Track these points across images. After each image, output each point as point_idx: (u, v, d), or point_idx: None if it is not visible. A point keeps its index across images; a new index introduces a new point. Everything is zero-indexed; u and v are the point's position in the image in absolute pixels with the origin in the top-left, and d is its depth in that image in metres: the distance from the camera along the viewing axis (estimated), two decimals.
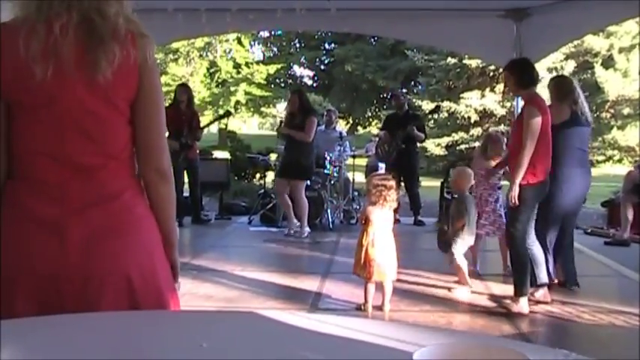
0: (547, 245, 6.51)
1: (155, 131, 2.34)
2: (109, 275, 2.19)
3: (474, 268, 7.40)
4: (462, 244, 6.83)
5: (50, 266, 2.15)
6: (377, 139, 12.53)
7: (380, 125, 15.18)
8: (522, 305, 5.97)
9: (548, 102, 6.35)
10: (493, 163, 7.25)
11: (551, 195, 6.29)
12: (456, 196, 7.20)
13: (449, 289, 6.80)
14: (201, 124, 11.22)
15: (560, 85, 6.82)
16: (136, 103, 2.28)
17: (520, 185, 5.90)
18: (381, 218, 5.87)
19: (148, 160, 2.34)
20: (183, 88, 11.27)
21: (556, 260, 6.69)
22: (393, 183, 6.01)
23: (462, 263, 6.82)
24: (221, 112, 30.74)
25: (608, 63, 24.81)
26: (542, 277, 6.18)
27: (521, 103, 7.06)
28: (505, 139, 7.67)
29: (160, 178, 2.37)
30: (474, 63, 23.52)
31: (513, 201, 5.86)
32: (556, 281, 6.71)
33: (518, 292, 6.01)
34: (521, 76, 6.11)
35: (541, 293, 6.22)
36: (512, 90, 6.43)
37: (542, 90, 6.69)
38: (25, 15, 2.19)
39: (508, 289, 6.57)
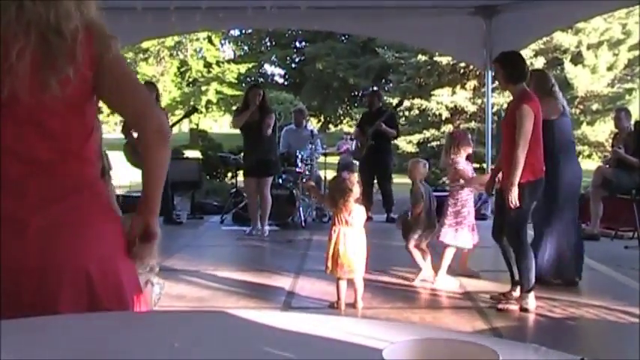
0: (561, 243, 6.60)
1: (139, 102, 2.36)
2: (67, 270, 2.20)
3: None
4: (415, 234, 7.00)
5: (8, 259, 2.15)
6: (349, 136, 12.51)
7: (351, 123, 15.16)
8: (529, 301, 5.94)
9: None
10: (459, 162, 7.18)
11: (560, 189, 6.36)
12: (413, 186, 7.29)
13: (411, 280, 6.98)
14: (170, 123, 11.15)
15: (543, 80, 6.84)
16: (106, 92, 2.32)
17: (520, 183, 5.86)
18: (349, 217, 5.88)
19: (146, 124, 2.35)
20: (150, 87, 11.12)
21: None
22: (353, 181, 6.00)
23: (414, 250, 7.01)
24: None
25: (577, 59, 24.96)
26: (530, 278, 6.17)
27: (495, 100, 7.11)
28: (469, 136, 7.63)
29: (160, 138, 2.37)
30: (444, 60, 23.56)
31: (514, 203, 5.79)
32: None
33: (525, 288, 5.97)
34: (511, 70, 6.05)
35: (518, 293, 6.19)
36: (501, 84, 6.35)
37: None
38: None
39: (480, 286, 6.62)
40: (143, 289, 3.75)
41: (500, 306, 6.05)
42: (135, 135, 9.67)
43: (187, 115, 14.59)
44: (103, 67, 2.26)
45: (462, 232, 6.97)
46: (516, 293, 6.10)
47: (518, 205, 5.79)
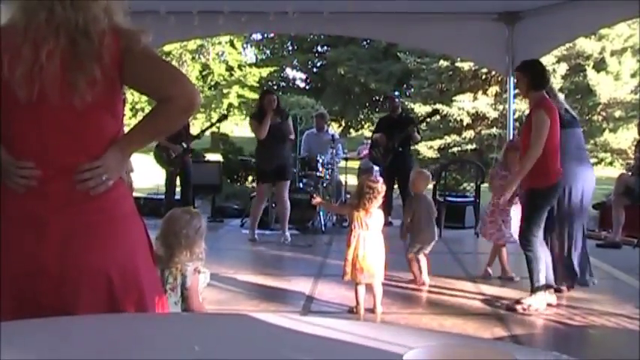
0: (563, 247, 6.56)
1: (167, 88, 2.35)
2: (87, 273, 2.21)
3: (504, 275, 7.38)
4: (411, 245, 7.08)
5: (27, 263, 2.17)
6: (369, 141, 12.43)
7: (372, 128, 15.08)
8: (539, 301, 6.01)
9: None
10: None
11: (563, 195, 6.36)
12: (412, 195, 7.45)
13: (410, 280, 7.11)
14: (195, 128, 11.24)
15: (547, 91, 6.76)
16: (136, 81, 2.38)
17: (533, 189, 5.98)
18: (369, 221, 5.87)
19: (173, 104, 2.35)
20: None
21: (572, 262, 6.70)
22: (383, 188, 6.00)
23: (412, 259, 7.09)
24: (214, 114, 30.72)
25: (600, 66, 24.78)
26: (549, 279, 6.16)
27: (517, 106, 7.06)
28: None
29: (182, 115, 2.43)
30: (466, 66, 23.48)
31: (503, 202, 5.94)
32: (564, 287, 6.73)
33: (535, 290, 6.03)
34: (533, 77, 6.12)
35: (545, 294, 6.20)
36: (523, 91, 6.40)
37: None
38: (14, 28, 2.22)
39: (501, 292, 6.59)
40: (191, 276, 3.80)
41: (509, 305, 6.14)
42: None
43: (219, 121, 14.63)
44: (132, 58, 2.28)
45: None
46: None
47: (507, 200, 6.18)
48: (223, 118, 13.78)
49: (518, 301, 6.11)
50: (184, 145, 10.46)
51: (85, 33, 2.21)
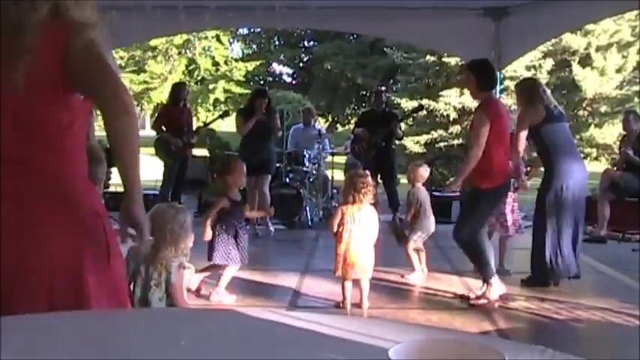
0: (563, 243, 6.60)
1: (108, 86, 2.31)
2: (30, 270, 2.18)
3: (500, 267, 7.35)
4: (415, 235, 7.14)
5: None
6: (352, 136, 12.37)
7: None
8: (496, 288, 6.13)
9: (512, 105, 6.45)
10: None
11: (556, 191, 6.41)
12: (411, 188, 7.47)
13: (402, 275, 7.13)
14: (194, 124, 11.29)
15: (530, 88, 6.89)
16: (76, 77, 2.29)
17: (477, 189, 6.08)
18: (360, 216, 5.87)
19: (116, 107, 2.29)
20: (184, 87, 11.23)
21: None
22: (371, 181, 6.02)
23: (412, 253, 7.17)
24: (200, 109, 30.72)
25: (586, 61, 24.88)
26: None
27: (504, 101, 7.07)
28: None
29: (130, 120, 2.30)
30: (452, 61, 23.49)
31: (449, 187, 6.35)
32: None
33: (488, 277, 6.16)
34: (482, 78, 6.21)
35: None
36: (472, 92, 6.45)
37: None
38: None
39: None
40: (176, 272, 3.81)
41: (472, 302, 6.20)
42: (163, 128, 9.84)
43: (221, 117, 14.60)
44: (72, 54, 2.25)
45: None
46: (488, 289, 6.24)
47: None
48: (225, 114, 13.81)
49: (483, 292, 6.21)
50: (184, 140, 10.44)
51: (20, 23, 2.20)
